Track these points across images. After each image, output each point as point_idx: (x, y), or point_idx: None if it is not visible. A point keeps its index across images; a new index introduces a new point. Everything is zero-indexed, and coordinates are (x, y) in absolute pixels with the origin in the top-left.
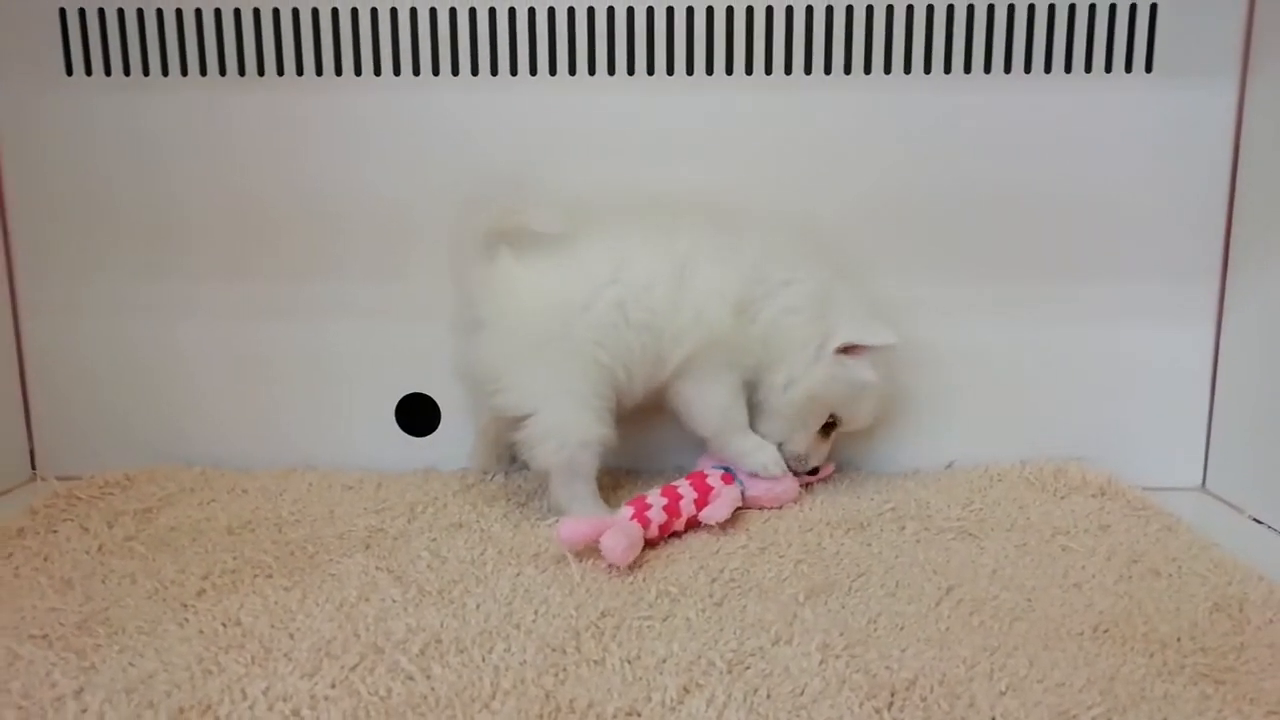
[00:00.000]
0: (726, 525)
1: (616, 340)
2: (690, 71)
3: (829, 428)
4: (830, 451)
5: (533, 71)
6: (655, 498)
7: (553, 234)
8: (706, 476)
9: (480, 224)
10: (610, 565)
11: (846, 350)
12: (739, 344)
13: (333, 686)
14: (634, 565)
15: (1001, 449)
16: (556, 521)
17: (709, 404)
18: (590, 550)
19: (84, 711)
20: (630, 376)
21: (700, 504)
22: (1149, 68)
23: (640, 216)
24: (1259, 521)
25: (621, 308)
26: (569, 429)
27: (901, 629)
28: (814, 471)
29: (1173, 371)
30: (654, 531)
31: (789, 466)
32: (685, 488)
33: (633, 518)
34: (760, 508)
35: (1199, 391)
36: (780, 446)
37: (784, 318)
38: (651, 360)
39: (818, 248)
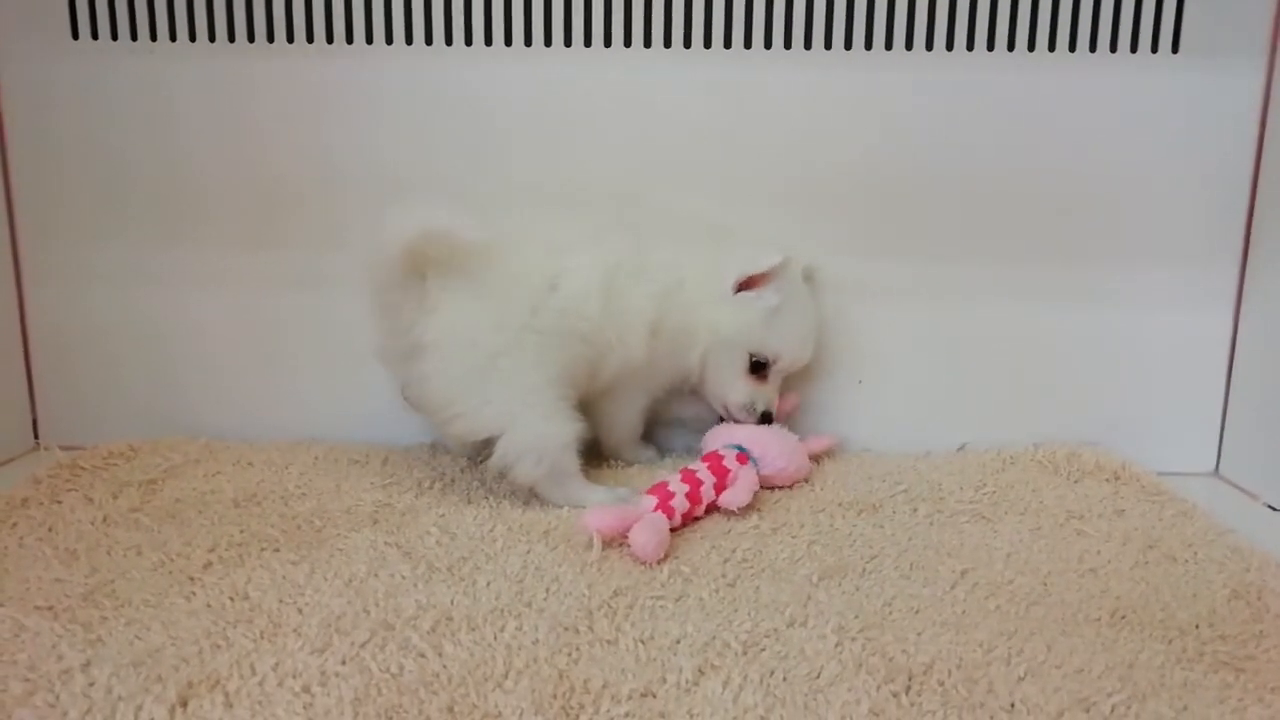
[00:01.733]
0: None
1: (561, 347)
2: (708, 44)
3: (762, 368)
4: (780, 396)
5: (547, 43)
6: (677, 484)
7: (478, 240)
8: (722, 459)
9: (396, 249)
10: (643, 564)
11: (745, 286)
12: (652, 367)
13: (343, 663)
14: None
15: (1014, 432)
16: (567, 509)
17: (620, 423)
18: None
19: (92, 685)
20: (574, 383)
21: (719, 488)
22: (1175, 48)
23: (571, 219)
24: (1274, 508)
25: (565, 316)
26: (545, 440)
27: (917, 612)
28: (768, 418)
29: (1188, 356)
30: (677, 521)
31: (738, 418)
32: (704, 472)
33: (657, 508)
34: (774, 487)
35: (1215, 376)
36: (726, 404)
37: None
38: (587, 370)
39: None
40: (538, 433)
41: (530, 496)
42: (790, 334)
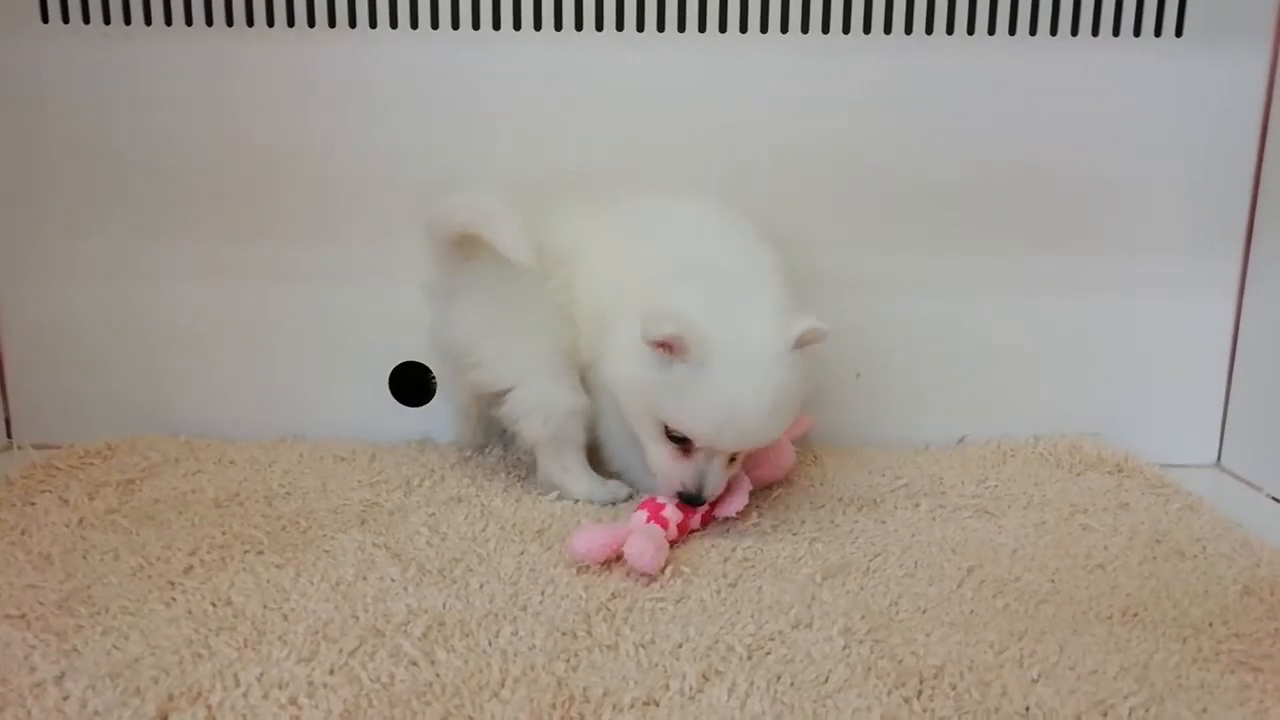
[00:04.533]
0: None
1: (566, 324)
2: (703, 29)
3: (684, 441)
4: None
5: (537, 26)
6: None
7: (523, 263)
8: None
9: (446, 221)
10: (640, 575)
11: (661, 344)
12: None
13: (331, 672)
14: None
15: (1013, 424)
16: (558, 496)
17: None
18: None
19: (66, 698)
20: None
21: None
22: (1179, 32)
23: (585, 198)
24: (1278, 500)
25: (564, 294)
26: (554, 400)
27: (924, 612)
28: (694, 502)
29: (1190, 346)
30: (673, 532)
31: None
32: None
33: (649, 520)
34: (765, 486)
35: (1216, 367)
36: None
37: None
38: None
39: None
40: (547, 393)
41: (522, 494)
42: (708, 415)
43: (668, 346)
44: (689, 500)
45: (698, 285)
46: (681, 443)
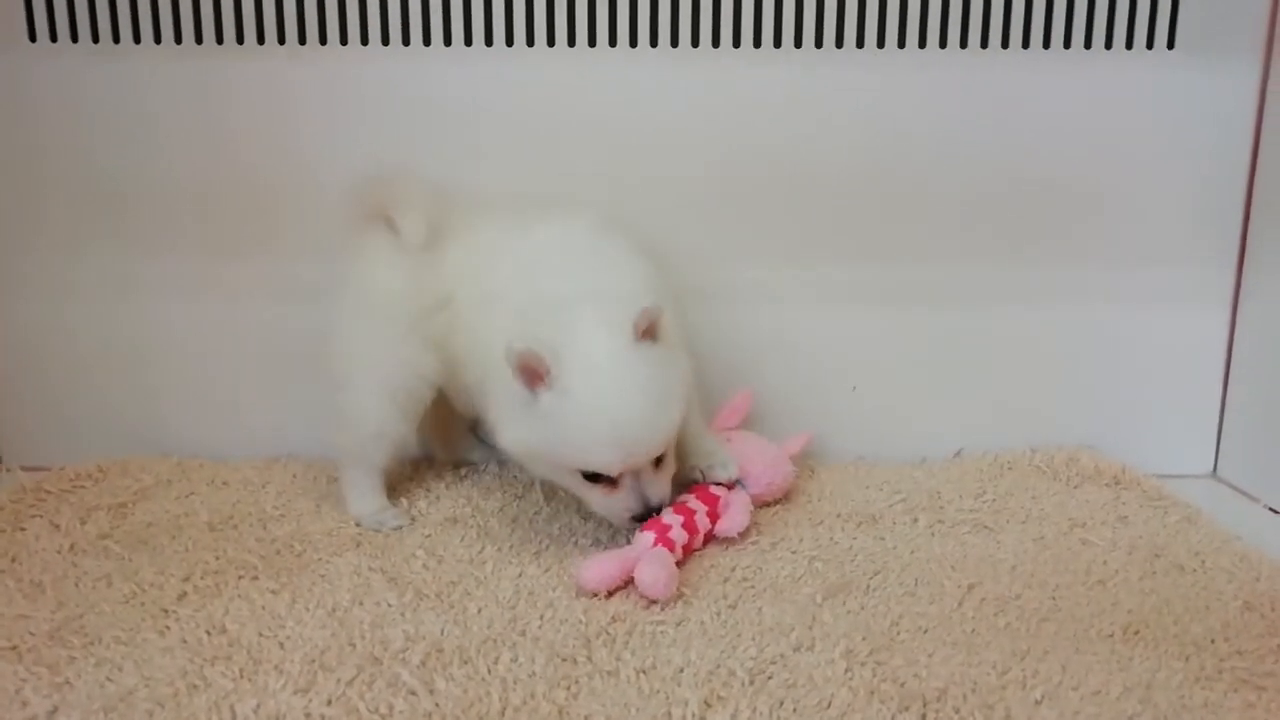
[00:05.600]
0: None
1: (435, 357)
2: (695, 44)
3: (599, 478)
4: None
5: (530, 42)
6: (670, 516)
7: (412, 244)
8: (709, 487)
9: (357, 202)
10: (650, 601)
11: (529, 378)
12: None
13: (329, 703)
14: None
15: (1010, 436)
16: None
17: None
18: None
19: None
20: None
21: (712, 516)
22: (1171, 44)
23: (486, 227)
24: (1275, 511)
25: (451, 326)
26: (367, 416)
27: (925, 632)
28: (648, 515)
29: (1185, 356)
30: (679, 554)
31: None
32: (694, 501)
33: (656, 543)
34: (765, 504)
35: (1212, 377)
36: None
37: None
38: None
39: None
40: (365, 407)
41: (519, 514)
42: (595, 433)
43: (530, 373)
44: (643, 518)
45: (545, 316)
46: (599, 479)
